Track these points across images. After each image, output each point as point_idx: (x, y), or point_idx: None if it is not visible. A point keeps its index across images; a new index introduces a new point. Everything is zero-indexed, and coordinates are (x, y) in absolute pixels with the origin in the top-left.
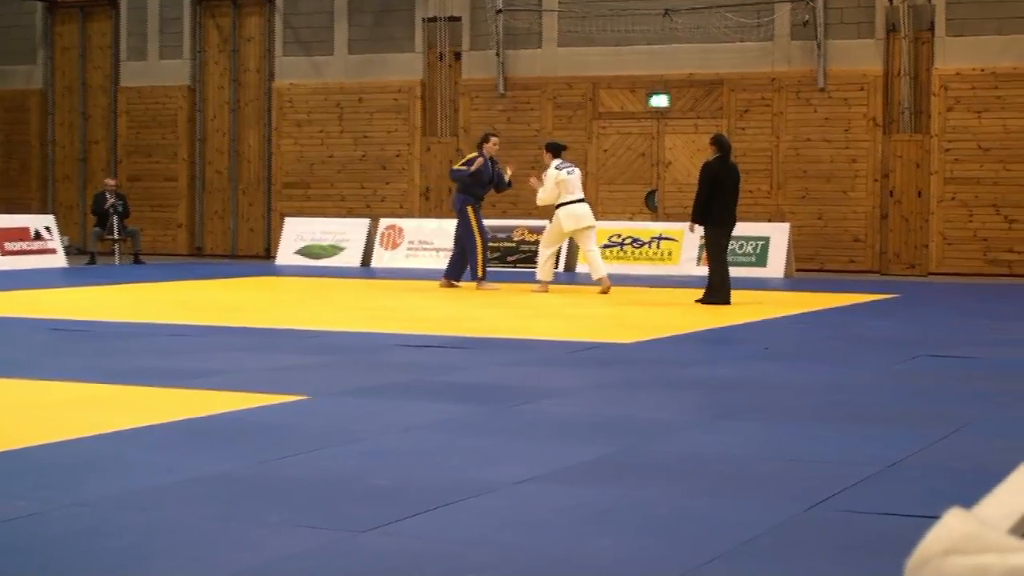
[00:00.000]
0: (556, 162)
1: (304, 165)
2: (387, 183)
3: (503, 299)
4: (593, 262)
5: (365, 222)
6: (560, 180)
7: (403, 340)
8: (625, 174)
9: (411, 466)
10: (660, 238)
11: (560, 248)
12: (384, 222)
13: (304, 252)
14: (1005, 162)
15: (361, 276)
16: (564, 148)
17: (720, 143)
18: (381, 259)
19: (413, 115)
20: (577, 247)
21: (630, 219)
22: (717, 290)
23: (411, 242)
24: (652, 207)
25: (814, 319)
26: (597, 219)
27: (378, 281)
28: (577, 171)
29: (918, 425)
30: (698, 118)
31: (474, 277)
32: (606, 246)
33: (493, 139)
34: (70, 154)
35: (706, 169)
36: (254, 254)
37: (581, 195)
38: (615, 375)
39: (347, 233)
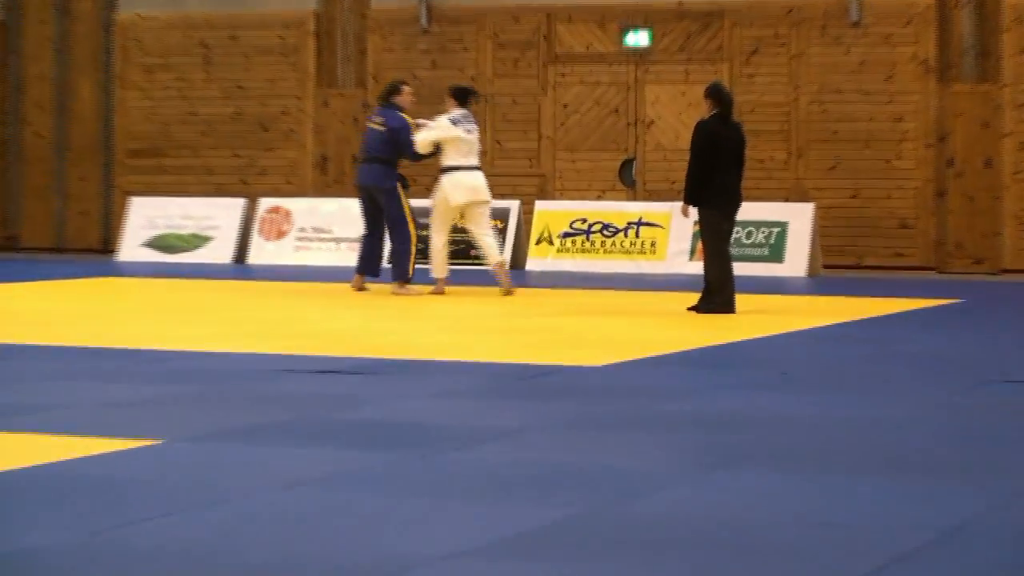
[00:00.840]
0: (456, 112)
1: (156, 126)
2: (269, 150)
3: (425, 308)
4: (488, 247)
5: (240, 203)
6: (453, 138)
7: (289, 364)
8: (592, 137)
9: (296, 537)
10: (639, 224)
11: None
12: (265, 203)
13: (157, 244)
14: None
15: (234, 276)
16: (474, 96)
17: (718, 96)
18: (261, 253)
19: (304, 58)
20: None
21: (598, 198)
22: (716, 293)
23: (302, 230)
24: (629, 182)
25: (846, 333)
26: (553, 196)
27: (257, 283)
28: (476, 132)
29: (984, 478)
30: (689, 62)
31: (397, 277)
32: (566, 234)
33: (406, 89)
34: None
35: (700, 131)
36: (88, 247)
37: (476, 162)
38: (576, 410)
39: (215, 218)
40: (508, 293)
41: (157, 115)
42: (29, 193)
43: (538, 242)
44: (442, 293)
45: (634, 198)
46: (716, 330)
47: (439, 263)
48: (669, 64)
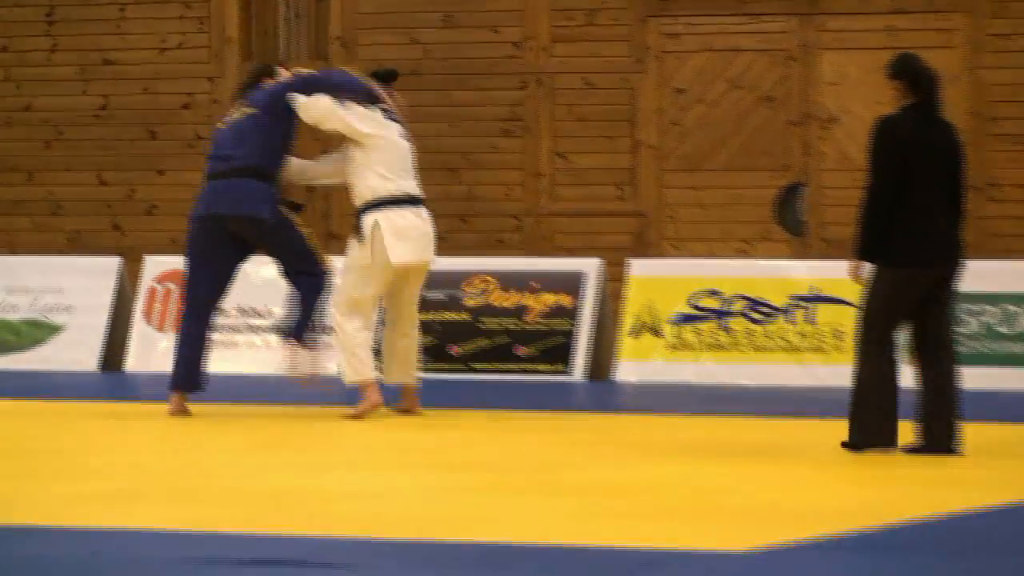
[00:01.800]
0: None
1: None
2: (161, 172)
3: (397, 442)
4: (411, 356)
5: (110, 265)
6: (368, 136)
7: (207, 547)
8: (727, 146)
9: None
10: (813, 298)
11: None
12: (154, 265)
13: None
14: None
15: (104, 394)
16: (393, 77)
17: (912, 75)
18: (148, 353)
19: (220, 14)
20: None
21: (740, 254)
22: (862, 411)
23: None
24: (794, 225)
25: None
26: (660, 251)
27: (141, 406)
28: (396, 127)
29: None
30: (899, 12)
31: (296, 334)
32: (685, 318)
33: (283, 72)
34: None
35: (882, 133)
36: None
37: (416, 188)
38: None
39: (68, 292)
40: (407, 409)
41: None
42: None
43: (635, 332)
44: (372, 408)
45: (804, 254)
46: (924, 487)
47: (364, 358)
48: (861, 16)
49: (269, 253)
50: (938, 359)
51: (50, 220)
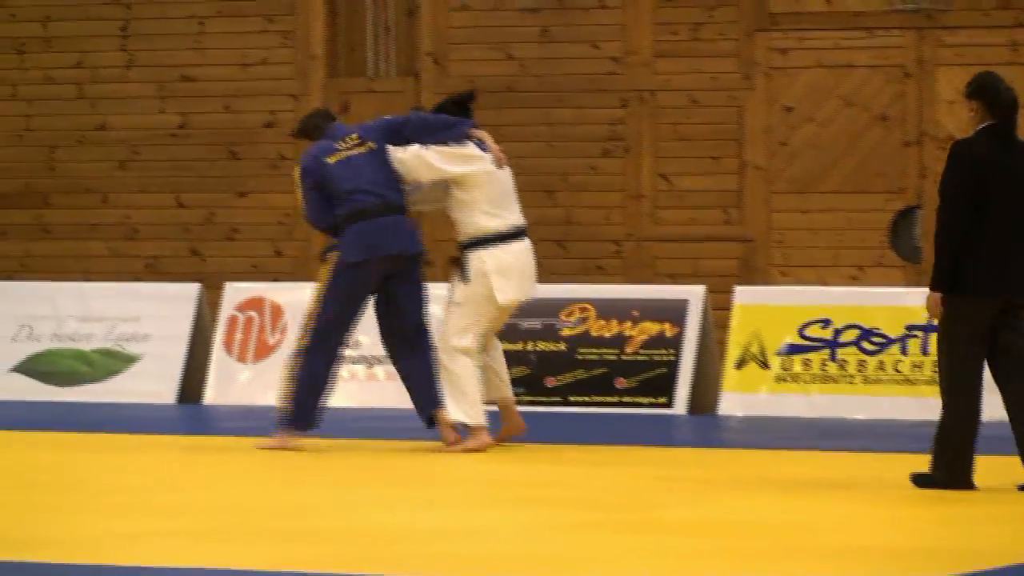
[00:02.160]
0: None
1: (31, 150)
2: (243, 194)
3: (475, 476)
4: (502, 372)
5: (190, 292)
6: (473, 175)
7: None
8: (840, 168)
9: None
10: (930, 328)
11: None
12: (236, 292)
13: (35, 368)
14: None
15: (182, 428)
16: (473, 99)
17: (991, 95)
18: (229, 384)
19: (306, 31)
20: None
21: (853, 282)
22: (946, 448)
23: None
24: (910, 251)
25: None
26: (768, 279)
27: (222, 440)
28: (489, 160)
29: None
30: (1020, 26)
31: (438, 405)
32: (793, 349)
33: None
34: None
35: (957, 158)
36: None
37: (516, 214)
38: None
39: (144, 321)
40: (511, 432)
41: (32, 132)
42: None
43: (740, 364)
44: (483, 447)
45: (920, 282)
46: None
47: (474, 398)
48: (982, 31)
49: (402, 298)
50: (972, 387)
51: (126, 245)
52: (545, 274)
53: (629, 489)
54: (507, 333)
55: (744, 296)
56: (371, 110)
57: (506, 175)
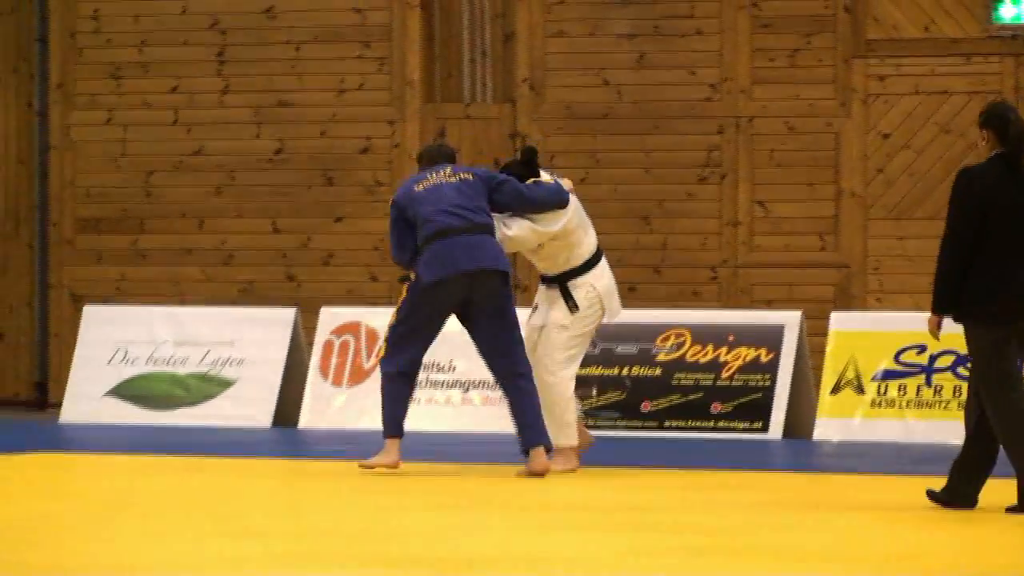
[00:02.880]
0: (544, 174)
1: (128, 175)
2: (339, 220)
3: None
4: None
5: (286, 317)
6: (565, 226)
7: None
8: (937, 194)
9: None
10: None
11: None
12: (331, 316)
13: (131, 392)
14: None
15: (277, 451)
16: (535, 155)
17: (1001, 124)
18: (324, 409)
19: (400, 56)
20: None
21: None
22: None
23: None
24: None
25: None
26: (864, 305)
27: (319, 464)
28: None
29: None
30: None
31: (543, 439)
32: (889, 374)
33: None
34: None
35: (962, 185)
36: (7, 397)
37: (593, 234)
38: None
39: (240, 344)
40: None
41: (129, 157)
42: None
43: (837, 389)
44: (574, 469)
45: None
46: None
47: (572, 423)
48: None
49: (491, 331)
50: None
51: (221, 270)
52: (641, 299)
53: (725, 514)
54: (603, 358)
55: (840, 322)
56: (467, 136)
57: (575, 202)
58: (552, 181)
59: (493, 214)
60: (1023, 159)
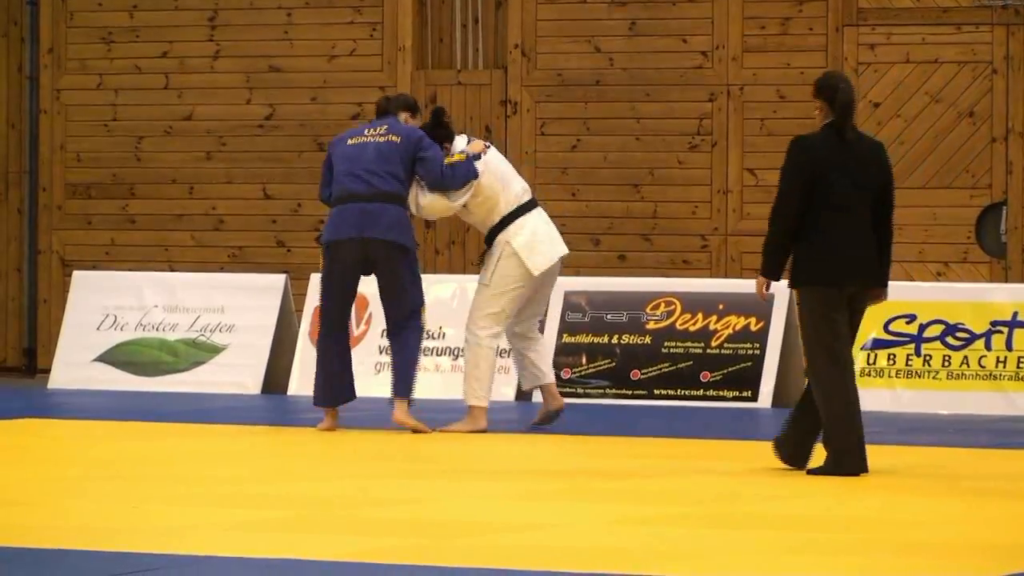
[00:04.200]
0: (461, 139)
1: (117, 140)
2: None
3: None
4: (544, 352)
5: (275, 282)
6: (476, 194)
7: None
8: (927, 164)
9: None
10: (1015, 323)
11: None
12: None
13: (120, 358)
14: None
15: (266, 418)
16: (444, 115)
17: (829, 92)
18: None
19: (393, 22)
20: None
21: (938, 277)
22: (834, 437)
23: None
24: (994, 247)
25: None
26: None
27: (302, 432)
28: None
29: None
30: None
31: (404, 392)
32: (879, 343)
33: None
34: None
35: (791, 152)
36: None
37: (522, 189)
38: None
39: (229, 310)
40: (550, 415)
41: (119, 122)
42: None
43: None
44: (483, 428)
45: (1006, 277)
46: None
47: (488, 382)
48: None
49: (386, 289)
50: (842, 370)
51: (211, 235)
52: (631, 267)
53: (712, 483)
54: (593, 326)
55: None
56: (459, 102)
57: (495, 158)
58: (464, 149)
59: (416, 179)
60: (849, 127)
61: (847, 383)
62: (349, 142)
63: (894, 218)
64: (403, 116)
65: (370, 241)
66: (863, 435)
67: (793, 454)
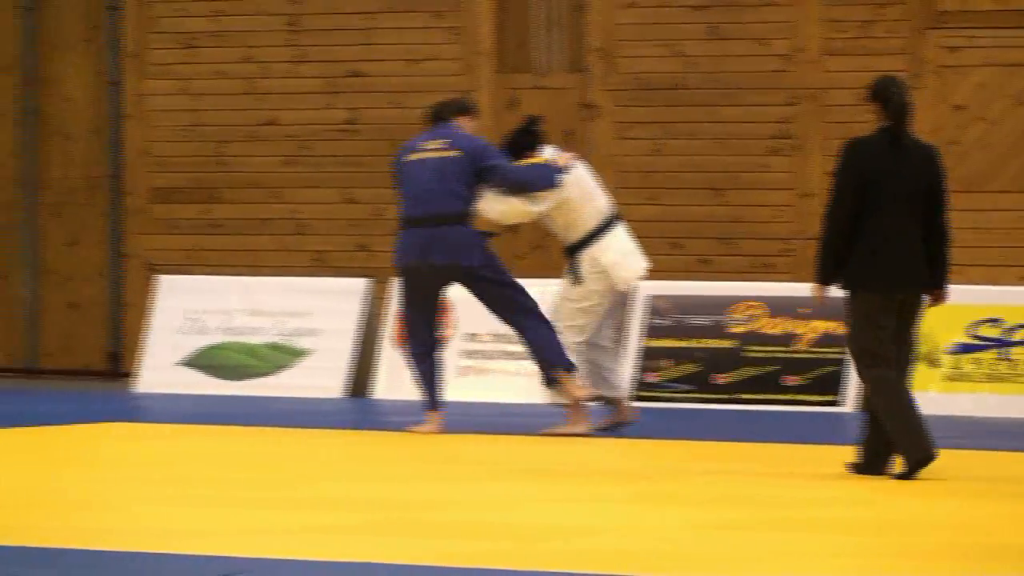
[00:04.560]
0: (549, 149)
1: (201, 145)
2: None
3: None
4: (616, 366)
5: (358, 287)
6: (559, 205)
7: None
8: (1012, 166)
9: None
10: None
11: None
12: None
13: (206, 362)
14: None
15: (349, 422)
16: (537, 124)
17: (884, 97)
18: (397, 379)
19: (474, 26)
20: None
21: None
22: (900, 440)
23: (473, 336)
24: None
25: None
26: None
27: (386, 436)
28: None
29: None
30: None
31: (549, 380)
32: (965, 348)
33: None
34: None
35: (844, 155)
36: (83, 366)
37: (606, 205)
38: None
39: (314, 314)
40: (618, 422)
41: (201, 127)
42: None
43: None
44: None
45: None
46: None
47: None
48: None
49: (481, 294)
50: (893, 376)
51: (294, 239)
52: (714, 271)
53: (795, 487)
54: (676, 330)
55: None
56: (539, 106)
57: (582, 172)
58: (548, 158)
59: (487, 188)
60: (903, 131)
61: (894, 383)
62: (410, 158)
63: (948, 219)
64: (460, 121)
65: (435, 266)
66: (921, 419)
67: (870, 463)
